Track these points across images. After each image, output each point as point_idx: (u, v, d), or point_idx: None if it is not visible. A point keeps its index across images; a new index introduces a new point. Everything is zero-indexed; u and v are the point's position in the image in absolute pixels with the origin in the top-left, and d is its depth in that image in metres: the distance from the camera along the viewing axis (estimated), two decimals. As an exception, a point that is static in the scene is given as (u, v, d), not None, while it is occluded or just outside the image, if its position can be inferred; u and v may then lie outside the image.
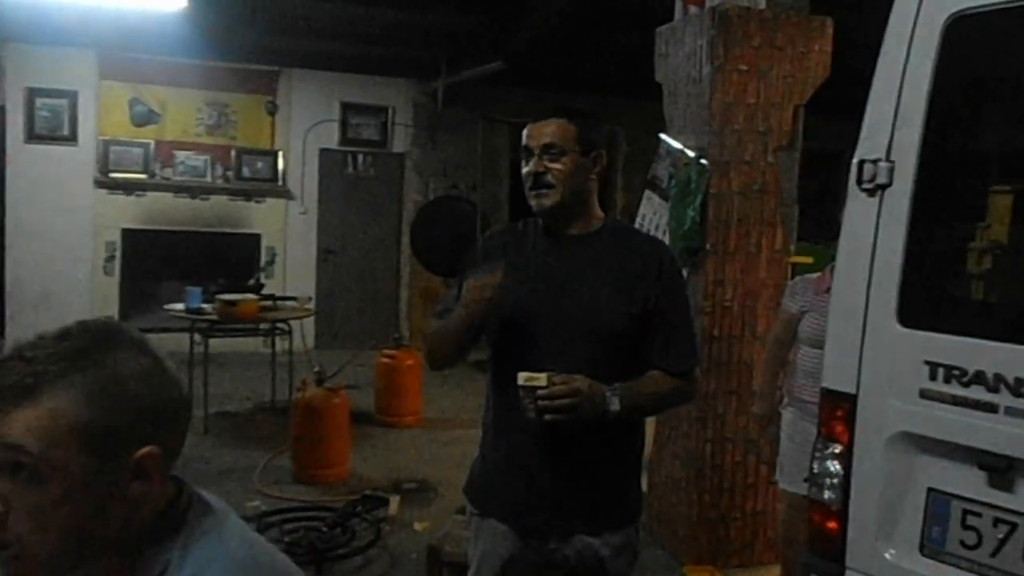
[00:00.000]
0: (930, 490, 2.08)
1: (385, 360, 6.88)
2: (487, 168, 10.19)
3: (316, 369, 5.68)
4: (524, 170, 2.26)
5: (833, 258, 3.54)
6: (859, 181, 2.12)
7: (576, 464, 2.23)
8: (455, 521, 3.55)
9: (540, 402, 2.05)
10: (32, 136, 8.87)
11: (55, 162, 8.91)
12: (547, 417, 2.06)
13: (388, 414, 6.77)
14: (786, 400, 3.61)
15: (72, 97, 8.94)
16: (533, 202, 2.25)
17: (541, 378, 2.06)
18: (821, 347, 3.46)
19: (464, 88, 9.16)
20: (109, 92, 9.09)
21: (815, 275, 3.66)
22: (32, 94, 8.84)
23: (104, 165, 9.02)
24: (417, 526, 4.70)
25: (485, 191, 9.96)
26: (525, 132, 2.27)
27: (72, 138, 8.97)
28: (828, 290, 3.51)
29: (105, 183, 9.05)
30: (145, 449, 1.06)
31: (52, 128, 8.91)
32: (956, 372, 1.97)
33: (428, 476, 5.48)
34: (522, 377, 2.07)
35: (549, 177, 2.21)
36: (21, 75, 8.81)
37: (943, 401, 2.00)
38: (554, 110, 2.26)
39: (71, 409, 1.02)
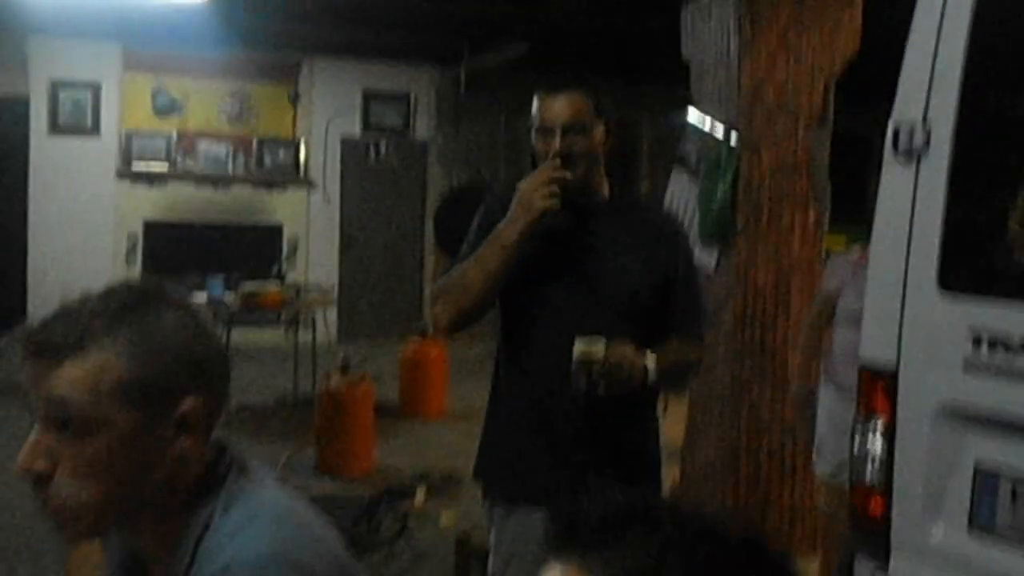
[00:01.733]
0: (977, 466, 2.03)
1: (410, 351, 6.87)
2: (511, 154, 10.16)
3: (341, 355, 5.68)
4: (541, 146, 2.22)
5: (869, 235, 3.51)
6: (895, 146, 2.08)
7: (610, 434, 2.22)
8: (483, 513, 3.53)
9: (597, 376, 2.04)
10: (55, 128, 8.98)
11: (78, 154, 9.02)
12: (600, 391, 2.06)
13: (413, 406, 6.76)
14: (823, 381, 3.56)
15: (95, 88, 9.04)
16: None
17: (599, 348, 2.04)
18: (860, 326, 3.42)
19: (487, 74, 9.14)
20: (132, 83, 9.17)
21: (853, 253, 3.60)
22: (55, 86, 8.94)
23: (126, 156, 9.11)
24: (443, 519, 4.69)
25: (509, 178, 9.93)
26: (539, 107, 2.23)
27: (95, 130, 9.07)
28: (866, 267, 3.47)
29: (127, 174, 9.14)
30: (188, 403, 1.09)
31: (75, 120, 9.01)
32: (1000, 340, 1.92)
33: (454, 469, 5.45)
34: (579, 348, 2.04)
35: (573, 155, 2.19)
36: (45, 67, 8.92)
37: (988, 371, 1.95)
38: (566, 82, 2.24)
39: (115, 363, 1.05)
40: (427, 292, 10.05)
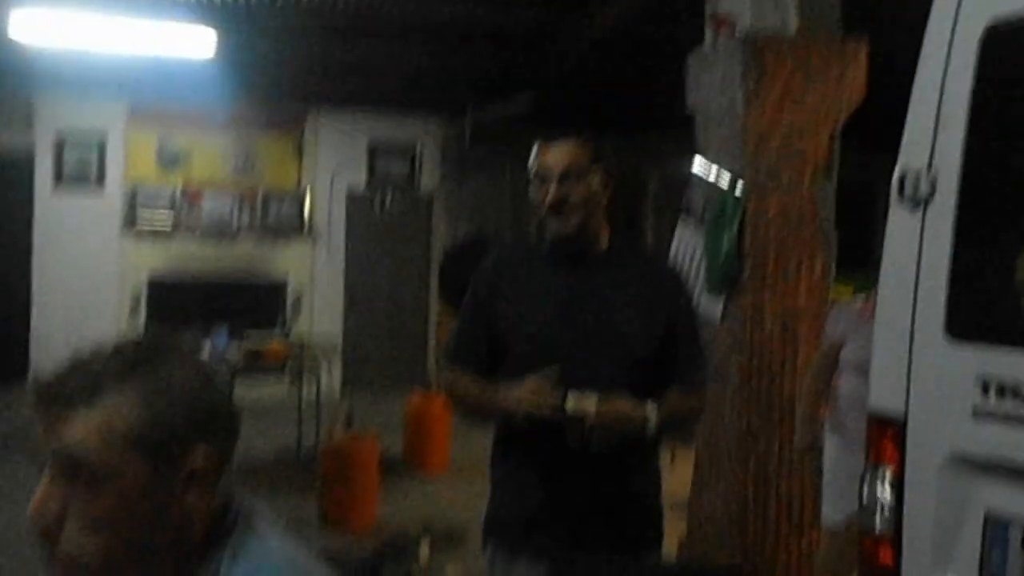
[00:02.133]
0: (987, 514, 2.02)
1: (414, 405, 6.87)
2: (515, 206, 10.23)
3: (345, 409, 5.68)
4: (538, 194, 2.25)
5: (875, 284, 3.54)
6: (901, 193, 2.10)
7: (610, 485, 2.23)
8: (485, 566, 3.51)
9: (589, 432, 2.06)
10: (60, 182, 9.07)
11: (82, 208, 9.10)
12: (594, 447, 2.07)
13: (417, 459, 6.74)
14: (828, 430, 3.58)
15: (100, 142, 9.14)
16: (553, 227, 2.26)
17: (591, 402, 2.05)
18: (865, 374, 3.44)
19: (492, 126, 9.24)
20: (137, 136, 9.27)
21: (857, 301, 3.63)
22: (60, 140, 9.04)
23: (131, 209, 9.18)
24: (449, 573, 4.66)
25: (515, 230, 9.99)
26: (536, 156, 2.27)
27: (100, 183, 9.16)
28: (872, 315, 3.49)
29: (131, 229, 9.20)
30: (198, 455, 1.10)
31: (80, 174, 9.11)
32: (1010, 388, 1.93)
33: (458, 522, 5.41)
34: (570, 404, 2.06)
35: (569, 203, 2.22)
36: (50, 122, 9.03)
37: (997, 419, 1.95)
38: (564, 132, 2.28)
39: (127, 414, 1.06)
40: (431, 344, 10.06)
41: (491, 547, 2.34)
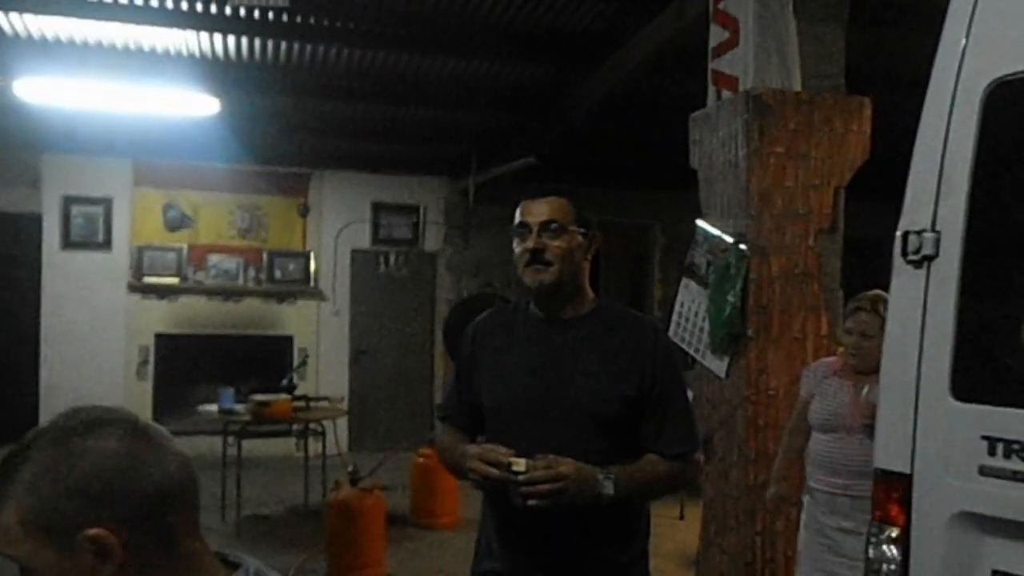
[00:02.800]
0: (994, 573, 2.03)
1: (420, 461, 6.85)
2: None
3: (350, 469, 5.68)
4: (519, 247, 2.27)
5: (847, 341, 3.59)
6: (904, 253, 2.13)
7: (577, 548, 2.22)
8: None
9: (522, 488, 2.05)
10: (67, 243, 9.16)
11: (90, 268, 9.17)
12: (530, 503, 2.06)
13: (424, 515, 6.72)
14: (804, 487, 3.64)
15: (107, 204, 9.25)
16: (530, 279, 2.26)
17: (520, 463, 2.06)
18: (826, 432, 3.49)
19: (495, 185, 9.34)
20: (143, 198, 9.37)
21: (832, 358, 3.69)
22: (68, 202, 9.16)
23: (138, 270, 9.26)
24: (457, 629, 4.63)
25: (519, 287, 10.03)
26: (520, 209, 2.29)
27: (106, 244, 9.24)
28: (836, 373, 3.55)
29: (138, 288, 9.27)
30: (93, 531, 1.09)
31: (87, 235, 9.20)
32: (1016, 446, 1.95)
33: (467, 578, 5.39)
34: (507, 462, 2.08)
35: (548, 254, 2.23)
36: (57, 184, 9.15)
37: (1004, 478, 1.97)
38: (551, 189, 2.30)
39: (18, 502, 1.10)
40: (437, 401, 10.05)
41: None
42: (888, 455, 2.24)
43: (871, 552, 2.28)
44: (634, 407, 2.24)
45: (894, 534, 2.22)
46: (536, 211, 2.26)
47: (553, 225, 2.24)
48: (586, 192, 2.43)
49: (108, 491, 1.11)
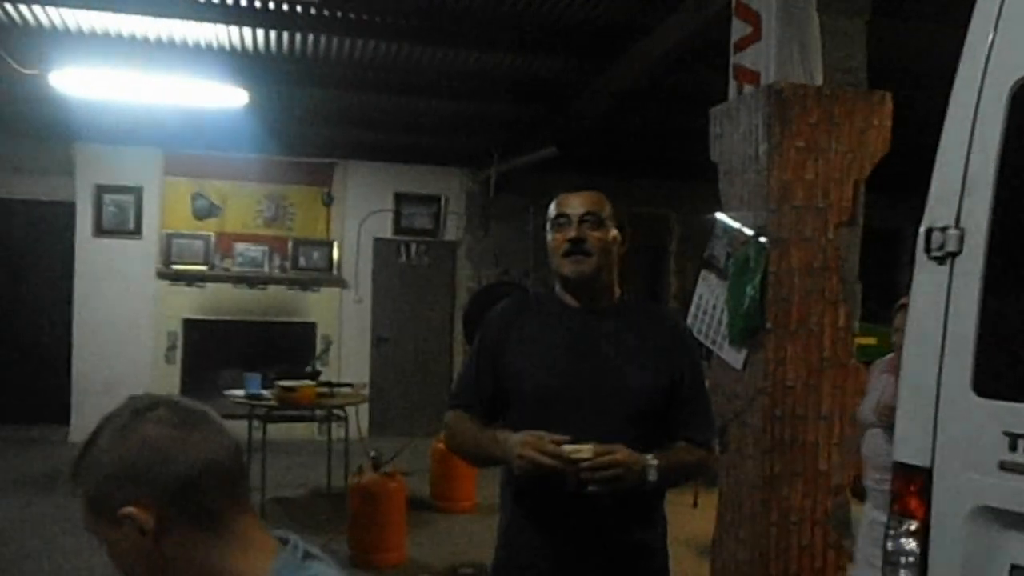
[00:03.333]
0: (1013, 567, 2.00)
1: (440, 446, 6.85)
2: (538, 254, 10.27)
3: (372, 454, 5.69)
4: (557, 237, 2.27)
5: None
6: (927, 250, 2.10)
7: (614, 534, 2.22)
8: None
9: (583, 474, 2.04)
10: (100, 230, 9.22)
11: (121, 255, 9.23)
12: (590, 489, 2.05)
13: (443, 499, 6.74)
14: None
15: (137, 193, 9.29)
16: (569, 269, 2.25)
17: (585, 449, 2.06)
18: (875, 427, 3.46)
19: (515, 175, 9.32)
20: (173, 187, 9.41)
21: (892, 355, 3.65)
22: (100, 190, 9.21)
23: (167, 257, 9.30)
24: (474, 615, 4.63)
25: (537, 276, 10.02)
26: (557, 202, 2.30)
27: (137, 232, 9.29)
28: (890, 370, 3.51)
29: (167, 274, 9.31)
30: (127, 509, 1.19)
31: (118, 222, 9.25)
32: (1038, 442, 1.91)
33: (484, 561, 5.37)
34: (567, 449, 2.06)
35: (588, 244, 2.23)
36: (90, 172, 9.20)
37: (1024, 473, 1.94)
38: (584, 185, 2.33)
39: (84, 485, 1.24)
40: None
41: None
42: (908, 449, 2.21)
43: (890, 545, 2.25)
44: (666, 396, 2.27)
45: (913, 527, 2.19)
46: (576, 203, 2.27)
47: (592, 217, 2.25)
48: (604, 182, 2.44)
49: (142, 473, 1.20)
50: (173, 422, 1.23)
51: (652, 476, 2.12)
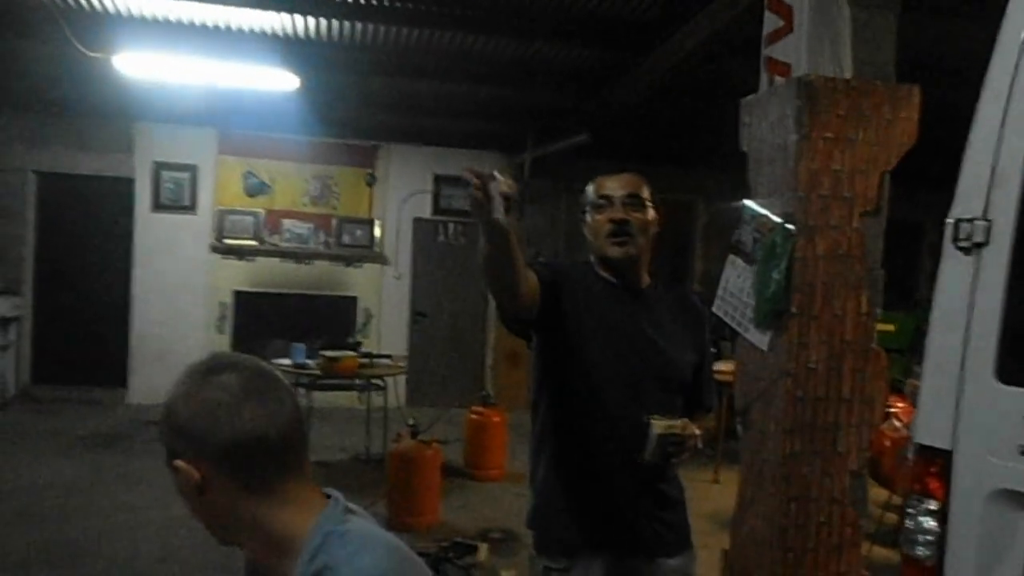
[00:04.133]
0: (1032, 548, 1.97)
1: (474, 417, 6.89)
2: (570, 236, 10.25)
3: (411, 423, 5.72)
4: (599, 218, 2.23)
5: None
6: (955, 240, 2.06)
7: (659, 492, 2.29)
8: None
9: (671, 447, 2.10)
10: (157, 206, 9.30)
11: (176, 229, 9.32)
12: (674, 460, 2.15)
13: (476, 468, 6.77)
14: None
15: (193, 170, 9.36)
16: (614, 250, 2.23)
17: (678, 425, 2.13)
18: None
19: (548, 160, 9.28)
20: (225, 166, 9.47)
21: None
22: (158, 168, 9.28)
23: (219, 232, 9.38)
24: (504, 574, 4.65)
25: (567, 258, 10.01)
26: (597, 184, 2.27)
27: (192, 207, 9.37)
28: None
29: (219, 248, 9.39)
30: (179, 461, 1.25)
31: (175, 198, 9.33)
32: (1060, 429, 1.88)
33: (514, 527, 5.42)
34: (662, 425, 2.11)
35: (631, 226, 2.22)
36: (149, 151, 9.27)
37: (1045, 459, 1.90)
38: (617, 170, 2.31)
39: (159, 427, 1.32)
40: (489, 363, 10.08)
41: (544, 549, 2.30)
42: (929, 431, 2.18)
43: (909, 523, 2.23)
44: (695, 369, 2.36)
45: (933, 507, 2.17)
46: (618, 185, 2.24)
47: (634, 199, 2.24)
48: (633, 169, 2.41)
49: (194, 433, 1.24)
50: (234, 390, 1.25)
51: (700, 444, 2.21)
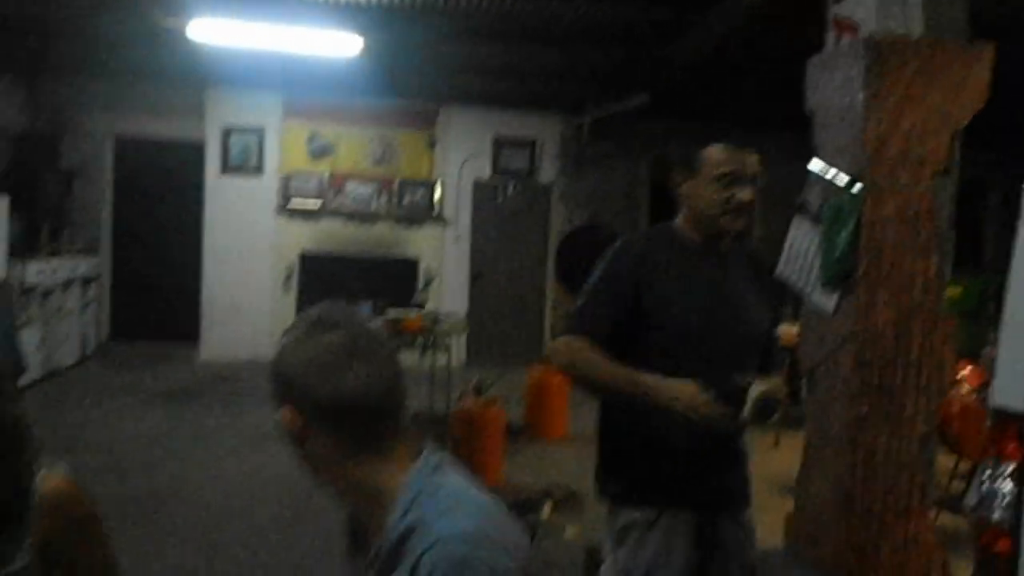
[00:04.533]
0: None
1: (535, 377, 6.89)
2: (627, 197, 10.14)
3: (475, 381, 5.74)
4: (729, 194, 2.22)
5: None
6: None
7: (737, 448, 2.35)
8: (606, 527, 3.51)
9: (768, 408, 2.11)
10: (226, 169, 9.42)
11: (244, 192, 9.43)
12: (769, 421, 2.16)
13: (537, 427, 6.75)
14: None
15: (259, 134, 9.44)
16: (730, 224, 2.25)
17: (775, 386, 2.14)
18: None
19: (608, 121, 9.16)
20: (290, 129, 9.53)
21: None
22: (227, 131, 9.39)
23: (285, 194, 9.47)
24: (568, 532, 4.67)
25: (625, 219, 9.90)
26: (729, 156, 2.24)
27: (259, 170, 9.47)
28: None
29: (285, 210, 9.49)
30: (283, 408, 1.28)
31: (242, 161, 9.44)
32: None
33: (577, 486, 5.42)
34: (761, 388, 2.11)
35: (747, 205, 2.25)
36: (218, 115, 9.38)
37: None
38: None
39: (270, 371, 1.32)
40: (547, 322, 10.08)
41: (623, 507, 2.29)
42: (1007, 394, 2.12)
43: (984, 487, 2.18)
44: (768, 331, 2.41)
45: (1009, 470, 2.11)
46: (751, 162, 2.25)
47: (755, 180, 2.26)
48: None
49: (299, 385, 1.26)
50: (339, 349, 1.26)
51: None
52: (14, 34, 7.41)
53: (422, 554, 1.18)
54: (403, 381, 1.32)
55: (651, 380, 2.12)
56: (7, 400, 1.63)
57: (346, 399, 1.25)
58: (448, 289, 9.80)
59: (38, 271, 7.73)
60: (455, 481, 1.30)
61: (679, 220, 2.35)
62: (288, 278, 9.58)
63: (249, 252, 9.46)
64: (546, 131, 10.06)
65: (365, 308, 6.59)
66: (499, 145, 9.99)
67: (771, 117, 7.47)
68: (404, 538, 1.22)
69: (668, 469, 2.25)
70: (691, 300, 2.23)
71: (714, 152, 2.23)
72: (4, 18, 6.77)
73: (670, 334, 2.22)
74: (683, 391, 2.07)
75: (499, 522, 1.27)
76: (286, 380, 1.28)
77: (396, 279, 9.55)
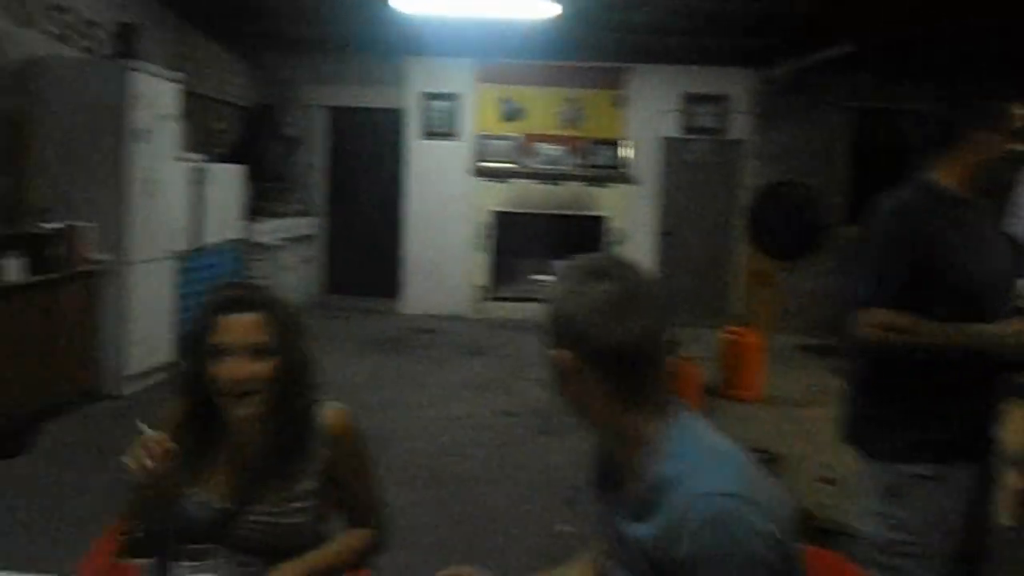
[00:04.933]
0: None
1: (729, 337, 6.74)
2: (823, 153, 9.66)
3: (671, 338, 5.69)
4: (1008, 147, 2.20)
5: None
6: None
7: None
8: (821, 490, 3.44)
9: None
10: (425, 133, 9.75)
11: (441, 155, 9.75)
12: None
13: (731, 388, 6.58)
14: None
15: (455, 99, 9.70)
16: (1007, 175, 2.34)
17: None
18: None
19: (803, 74, 8.74)
20: (483, 94, 9.72)
21: None
22: (425, 98, 9.70)
23: (479, 156, 9.70)
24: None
25: (821, 176, 9.44)
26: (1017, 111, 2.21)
27: (455, 134, 9.74)
28: None
29: (479, 172, 9.73)
30: (558, 351, 1.32)
31: (440, 126, 9.74)
32: None
33: (776, 449, 5.29)
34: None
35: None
36: (417, 82, 9.72)
37: None
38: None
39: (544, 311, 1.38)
40: (737, 281, 9.81)
41: (915, 461, 2.24)
42: None
43: None
44: None
45: None
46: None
47: None
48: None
49: (575, 330, 1.30)
50: (619, 298, 1.29)
51: None
52: (242, 15, 7.96)
53: (687, 507, 1.20)
54: (668, 331, 1.34)
55: (975, 328, 2.16)
56: (305, 337, 1.85)
57: (623, 347, 1.28)
58: (637, 247, 9.74)
59: (266, 230, 8.43)
60: (715, 437, 1.33)
61: (936, 175, 2.26)
62: (482, 236, 9.84)
63: (445, 212, 9.78)
64: (737, 86, 9.72)
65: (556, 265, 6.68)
66: (689, 102, 9.77)
67: (984, 66, 6.85)
68: (663, 486, 1.25)
69: (956, 424, 2.23)
70: (972, 256, 2.20)
71: (1015, 108, 2.22)
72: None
73: (958, 291, 2.19)
74: (1013, 328, 2.13)
75: (760, 482, 1.27)
76: (567, 324, 1.31)
77: (586, 237, 9.59)
